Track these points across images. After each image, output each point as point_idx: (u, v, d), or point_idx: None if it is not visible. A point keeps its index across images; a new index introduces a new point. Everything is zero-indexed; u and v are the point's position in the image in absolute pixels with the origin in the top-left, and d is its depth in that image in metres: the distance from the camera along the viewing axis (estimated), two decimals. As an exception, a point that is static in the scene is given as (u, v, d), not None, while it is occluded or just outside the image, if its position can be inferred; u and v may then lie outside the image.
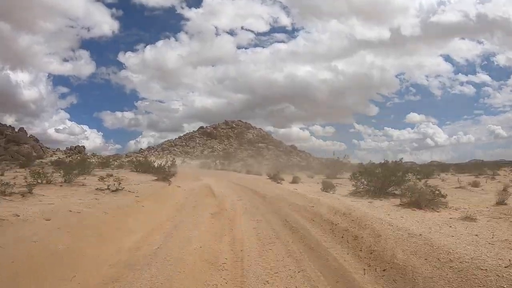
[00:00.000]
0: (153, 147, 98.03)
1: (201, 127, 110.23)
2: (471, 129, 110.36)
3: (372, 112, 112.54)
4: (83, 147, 65.90)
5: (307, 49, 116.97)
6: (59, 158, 45.03)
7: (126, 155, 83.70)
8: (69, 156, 49.69)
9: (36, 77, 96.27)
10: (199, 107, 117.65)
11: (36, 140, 56.89)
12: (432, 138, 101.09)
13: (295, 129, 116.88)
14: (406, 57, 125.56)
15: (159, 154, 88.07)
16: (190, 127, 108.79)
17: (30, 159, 40.30)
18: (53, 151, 59.93)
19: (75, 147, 64.90)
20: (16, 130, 54.78)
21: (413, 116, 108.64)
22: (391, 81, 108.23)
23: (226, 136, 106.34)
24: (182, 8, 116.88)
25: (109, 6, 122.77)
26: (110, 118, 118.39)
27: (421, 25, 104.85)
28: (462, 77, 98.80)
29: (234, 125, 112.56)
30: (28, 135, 53.88)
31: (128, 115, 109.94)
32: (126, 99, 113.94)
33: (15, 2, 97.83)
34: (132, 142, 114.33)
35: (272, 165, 46.75)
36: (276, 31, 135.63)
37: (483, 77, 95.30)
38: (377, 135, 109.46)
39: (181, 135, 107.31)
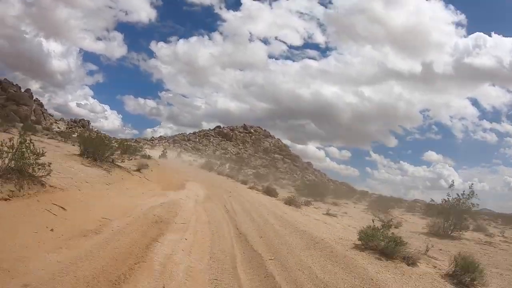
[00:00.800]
0: (165, 138, 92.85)
1: (218, 127, 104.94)
2: (487, 177, 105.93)
3: (391, 143, 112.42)
4: (88, 121, 61.81)
5: (337, 70, 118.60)
6: (58, 128, 40.01)
7: (136, 140, 79.34)
8: (70, 128, 44.84)
9: (68, 49, 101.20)
10: (221, 108, 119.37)
11: (41, 105, 52.57)
12: (446, 179, 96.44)
13: (312, 147, 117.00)
14: (434, 94, 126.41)
15: (169, 146, 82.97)
16: (208, 126, 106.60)
17: (25, 122, 35.77)
18: (55, 120, 55.32)
19: (79, 120, 60.39)
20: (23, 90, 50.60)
21: (431, 155, 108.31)
22: (415, 115, 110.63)
23: (242, 140, 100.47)
24: (221, 8, 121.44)
25: None
26: (132, 103, 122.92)
27: (454, 64, 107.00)
28: (486, 124, 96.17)
29: (253, 131, 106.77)
30: (33, 98, 49.28)
31: (150, 103, 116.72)
32: (151, 87, 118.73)
33: None
34: (149, 130, 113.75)
35: (293, 181, 40.11)
36: (309, 47, 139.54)
37: (508, 127, 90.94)
38: (392, 167, 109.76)
39: (197, 131, 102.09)
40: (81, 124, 58.92)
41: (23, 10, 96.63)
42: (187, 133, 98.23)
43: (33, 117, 44.58)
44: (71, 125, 55.73)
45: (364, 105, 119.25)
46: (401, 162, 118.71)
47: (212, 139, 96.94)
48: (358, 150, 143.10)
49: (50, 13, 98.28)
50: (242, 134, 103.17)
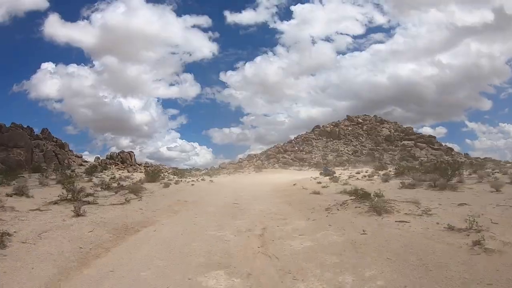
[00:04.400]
0: (255, 156, 73.67)
1: (317, 126, 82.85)
2: None
3: (485, 106, 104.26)
4: (130, 153, 46.13)
5: (407, 46, 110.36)
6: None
7: (220, 166, 63.08)
8: (92, 169, 28.65)
9: (146, 102, 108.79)
10: (304, 118, 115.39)
11: (61, 146, 38.56)
12: None
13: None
14: None
15: (263, 164, 63.42)
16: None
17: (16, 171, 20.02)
18: (83, 161, 41.94)
19: (118, 154, 45.01)
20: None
21: None
22: (502, 68, 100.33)
23: (353, 135, 76.78)
24: (275, 22, 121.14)
25: (205, 30, 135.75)
26: (218, 135, 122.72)
27: None
28: None
29: (361, 120, 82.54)
30: (52, 139, 35.32)
31: (235, 130, 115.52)
32: (232, 115, 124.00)
33: (119, 37, 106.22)
34: (240, 156, 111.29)
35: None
36: (373, 32, 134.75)
37: None
38: (492, 132, 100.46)
39: (292, 138, 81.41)
40: (120, 158, 44.38)
41: (96, 78, 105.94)
42: (282, 144, 77.79)
43: (43, 163, 30.30)
44: (105, 162, 41.84)
45: (445, 74, 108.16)
46: (500, 124, 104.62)
47: (314, 143, 75.09)
48: (452, 123, 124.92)
49: (120, 74, 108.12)
50: (350, 128, 79.70)
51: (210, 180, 30.74)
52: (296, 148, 73.33)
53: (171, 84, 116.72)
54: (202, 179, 31.71)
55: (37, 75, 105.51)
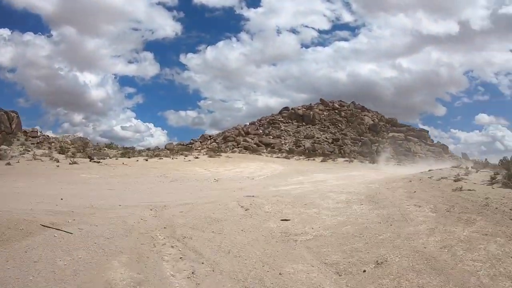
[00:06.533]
0: (210, 137, 56.69)
1: (286, 108, 67.42)
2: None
3: (440, 112, 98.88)
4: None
5: (370, 46, 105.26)
6: None
7: (166, 147, 46.41)
8: None
9: (103, 78, 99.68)
10: (261, 107, 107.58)
11: None
12: (501, 141, 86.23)
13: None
14: (474, 53, 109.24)
15: (219, 148, 46.79)
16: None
17: None
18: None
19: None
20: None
21: (482, 117, 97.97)
22: (460, 79, 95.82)
23: (330, 121, 62.23)
24: (242, 8, 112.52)
25: (169, 9, 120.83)
26: (174, 117, 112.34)
27: (491, 17, 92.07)
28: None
29: (337, 106, 68.52)
30: None
31: (192, 113, 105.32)
32: (189, 98, 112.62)
33: (79, 7, 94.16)
34: (195, 139, 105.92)
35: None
36: (338, 29, 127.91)
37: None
38: (444, 137, 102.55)
39: (255, 120, 65.28)
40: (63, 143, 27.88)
41: (52, 49, 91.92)
42: (244, 125, 61.43)
43: None
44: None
45: (404, 78, 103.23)
46: (452, 130, 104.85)
47: (283, 127, 59.67)
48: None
49: (78, 46, 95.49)
50: (325, 113, 65.28)
51: None
52: (261, 132, 57.43)
53: (130, 62, 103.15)
54: None
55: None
